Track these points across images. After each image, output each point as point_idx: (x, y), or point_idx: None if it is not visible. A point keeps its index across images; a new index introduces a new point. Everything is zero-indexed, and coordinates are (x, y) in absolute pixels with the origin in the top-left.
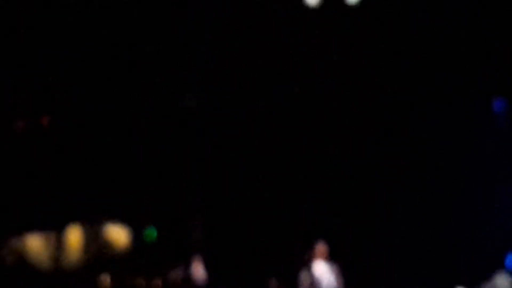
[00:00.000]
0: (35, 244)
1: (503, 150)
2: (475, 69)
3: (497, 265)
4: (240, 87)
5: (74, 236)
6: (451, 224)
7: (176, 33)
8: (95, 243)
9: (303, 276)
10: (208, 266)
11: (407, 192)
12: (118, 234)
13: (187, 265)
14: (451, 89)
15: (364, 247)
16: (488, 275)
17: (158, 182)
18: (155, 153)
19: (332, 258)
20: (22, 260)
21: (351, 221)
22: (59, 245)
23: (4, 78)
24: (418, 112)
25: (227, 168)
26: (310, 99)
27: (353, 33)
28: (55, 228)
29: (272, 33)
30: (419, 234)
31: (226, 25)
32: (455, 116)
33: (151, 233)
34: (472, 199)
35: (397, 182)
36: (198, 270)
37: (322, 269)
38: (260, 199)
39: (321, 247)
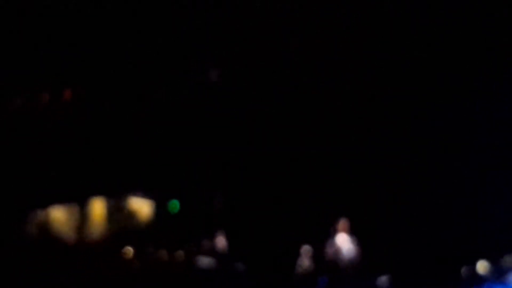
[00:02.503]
0: (59, 217)
1: None
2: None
3: None
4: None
5: (98, 209)
6: (471, 197)
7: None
8: (119, 215)
9: (328, 245)
10: (230, 238)
11: (428, 169)
12: (141, 206)
13: (209, 237)
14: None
15: (383, 222)
16: (509, 248)
17: (182, 154)
18: (178, 125)
19: (352, 232)
20: (46, 233)
21: (371, 199)
22: (82, 217)
23: (26, 52)
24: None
25: (251, 141)
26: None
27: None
28: (78, 201)
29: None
30: (439, 208)
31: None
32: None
33: (174, 205)
34: (495, 173)
35: (418, 159)
36: (221, 242)
37: (343, 241)
38: (284, 173)
39: (343, 223)
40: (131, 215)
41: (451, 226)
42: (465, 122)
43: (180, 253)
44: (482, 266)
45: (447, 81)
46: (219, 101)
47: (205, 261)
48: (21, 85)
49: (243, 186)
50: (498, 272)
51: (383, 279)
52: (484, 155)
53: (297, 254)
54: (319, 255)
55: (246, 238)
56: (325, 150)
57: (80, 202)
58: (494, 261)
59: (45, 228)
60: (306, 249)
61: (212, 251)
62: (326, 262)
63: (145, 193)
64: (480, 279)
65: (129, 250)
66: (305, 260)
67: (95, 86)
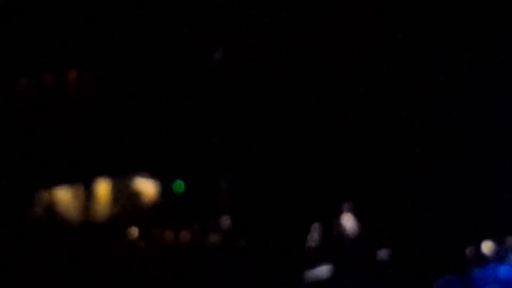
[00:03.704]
0: (64, 197)
1: None
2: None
3: None
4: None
5: (103, 189)
6: (476, 179)
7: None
8: (124, 196)
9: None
10: (236, 219)
11: (433, 149)
12: (146, 187)
13: (215, 217)
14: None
15: (386, 200)
16: None
17: (187, 135)
18: (184, 106)
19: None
20: (51, 213)
21: (375, 179)
22: (88, 198)
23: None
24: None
25: (257, 123)
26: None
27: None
28: (83, 181)
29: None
30: (444, 189)
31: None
32: None
33: (180, 186)
34: (500, 152)
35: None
36: (227, 223)
37: (348, 220)
38: (291, 155)
39: (348, 203)
40: (136, 196)
41: (455, 206)
42: (467, 108)
43: (185, 234)
44: (486, 246)
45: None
46: (225, 83)
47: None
48: (25, 67)
49: (250, 167)
50: (502, 252)
51: (386, 257)
52: (487, 135)
53: (303, 235)
54: (326, 236)
55: (252, 219)
56: (330, 133)
57: (85, 182)
58: (498, 241)
59: (50, 208)
60: (313, 228)
61: (218, 232)
62: (333, 242)
63: (150, 174)
64: (484, 259)
65: (134, 231)
66: (312, 241)
67: (100, 68)
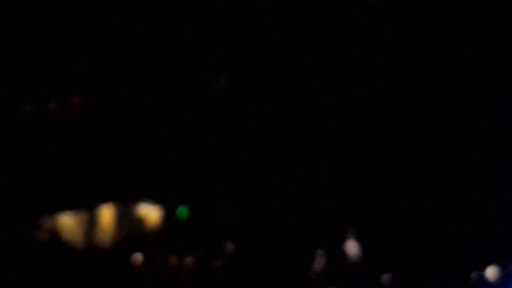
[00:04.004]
0: (67, 223)
1: None
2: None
3: None
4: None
5: (107, 215)
6: (482, 201)
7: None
8: (127, 221)
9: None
10: (240, 245)
11: (436, 170)
12: (150, 213)
13: (219, 244)
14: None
15: (389, 225)
16: None
17: (190, 161)
18: (187, 132)
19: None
20: (55, 239)
21: (376, 203)
22: (91, 223)
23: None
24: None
25: (259, 148)
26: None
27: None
28: (87, 207)
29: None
30: (447, 211)
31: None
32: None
33: (183, 211)
34: (505, 176)
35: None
36: (231, 249)
37: (352, 245)
38: (293, 181)
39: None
40: (140, 222)
41: (459, 229)
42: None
43: (189, 260)
44: (491, 272)
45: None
46: (227, 108)
47: None
48: (27, 89)
49: (253, 193)
50: (508, 277)
51: (389, 282)
52: (495, 157)
53: (307, 260)
54: (330, 261)
55: (256, 244)
56: (332, 157)
57: (89, 208)
58: (503, 266)
59: (54, 234)
60: (319, 254)
61: (221, 258)
62: (338, 267)
63: (154, 199)
64: (489, 285)
65: (138, 257)
66: (317, 266)
67: (103, 91)
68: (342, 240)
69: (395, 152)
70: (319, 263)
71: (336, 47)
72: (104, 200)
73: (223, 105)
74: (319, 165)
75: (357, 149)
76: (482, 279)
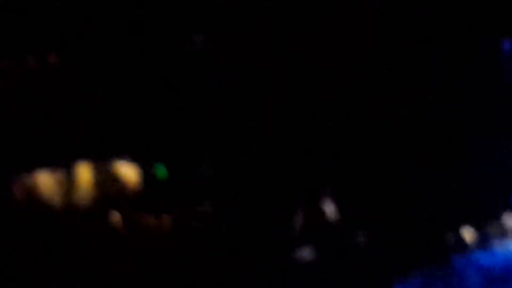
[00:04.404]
0: (45, 181)
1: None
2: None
3: (504, 204)
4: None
5: (84, 173)
6: (456, 163)
7: None
8: (105, 180)
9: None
10: (218, 204)
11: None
12: (128, 172)
13: (198, 203)
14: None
15: (366, 185)
16: (496, 215)
17: (170, 118)
18: (167, 90)
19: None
20: (33, 197)
21: (355, 169)
22: (69, 182)
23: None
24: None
25: (240, 106)
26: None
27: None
28: (65, 165)
29: None
30: (423, 174)
31: None
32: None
33: (162, 170)
34: (480, 137)
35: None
36: (210, 208)
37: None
38: (274, 140)
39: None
40: (118, 180)
41: (435, 191)
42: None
43: (168, 219)
44: (467, 233)
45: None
46: (211, 70)
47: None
48: (6, 50)
49: (232, 151)
50: (484, 239)
51: (365, 242)
52: (471, 116)
53: (285, 219)
54: (307, 220)
55: (235, 203)
56: (310, 119)
57: (67, 167)
58: (480, 228)
59: (31, 193)
60: (296, 213)
61: (200, 217)
62: (314, 226)
63: (132, 158)
64: (465, 246)
65: (116, 216)
66: (294, 225)
67: (81, 49)
68: (319, 198)
69: (372, 114)
70: (296, 221)
71: (331, 46)
72: (82, 158)
73: (201, 66)
74: (299, 125)
75: (337, 109)
76: (458, 239)
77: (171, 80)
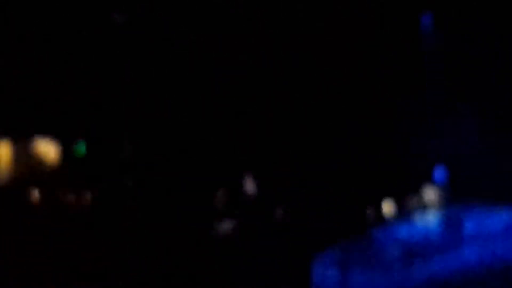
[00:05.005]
0: None
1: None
2: None
3: (425, 178)
4: None
5: (3, 150)
6: (378, 136)
7: None
8: (24, 157)
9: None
10: (139, 182)
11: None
12: (47, 149)
13: (117, 180)
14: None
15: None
16: (415, 188)
17: (88, 95)
18: (85, 67)
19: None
20: None
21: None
22: None
23: None
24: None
25: (160, 81)
26: None
27: None
28: None
29: None
30: (343, 147)
31: None
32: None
33: (81, 147)
34: (400, 111)
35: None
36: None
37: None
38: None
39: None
40: (37, 158)
41: (356, 164)
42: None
43: (88, 196)
44: (387, 206)
45: None
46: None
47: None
48: None
49: (154, 128)
50: (403, 212)
51: (284, 216)
52: (394, 90)
53: (209, 195)
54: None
55: (155, 181)
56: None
57: None
58: (400, 200)
59: None
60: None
61: (120, 194)
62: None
63: (52, 136)
64: (384, 219)
65: (35, 193)
66: (217, 202)
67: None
68: (240, 175)
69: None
70: (219, 199)
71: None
72: (1, 135)
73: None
74: (222, 104)
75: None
76: (378, 212)
77: (93, 58)
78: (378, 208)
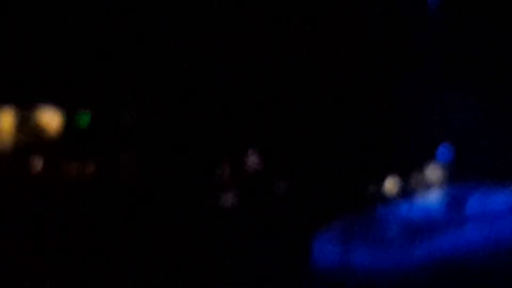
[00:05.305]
0: None
1: (437, 42)
2: None
3: (428, 156)
4: None
5: (6, 120)
6: (382, 114)
7: None
8: (28, 127)
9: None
10: (143, 153)
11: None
12: (50, 118)
13: (121, 151)
14: None
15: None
16: (419, 166)
17: (91, 64)
18: (88, 35)
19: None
20: None
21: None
22: None
23: None
24: None
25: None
26: None
27: None
28: None
29: None
30: (347, 124)
31: None
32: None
33: (85, 117)
34: (405, 88)
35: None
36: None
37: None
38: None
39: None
40: (40, 127)
41: (359, 141)
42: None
43: (91, 167)
44: (389, 184)
45: None
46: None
47: None
48: None
49: (156, 101)
50: (406, 190)
51: (286, 190)
52: (397, 68)
53: (212, 169)
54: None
55: (159, 151)
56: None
57: None
58: (403, 179)
59: None
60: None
61: (123, 165)
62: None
63: (55, 105)
64: (387, 197)
65: (38, 163)
66: (219, 175)
67: None
68: (244, 149)
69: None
70: (223, 172)
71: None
72: (5, 104)
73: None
74: (227, 81)
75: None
76: (381, 189)
77: (96, 26)
78: (381, 185)
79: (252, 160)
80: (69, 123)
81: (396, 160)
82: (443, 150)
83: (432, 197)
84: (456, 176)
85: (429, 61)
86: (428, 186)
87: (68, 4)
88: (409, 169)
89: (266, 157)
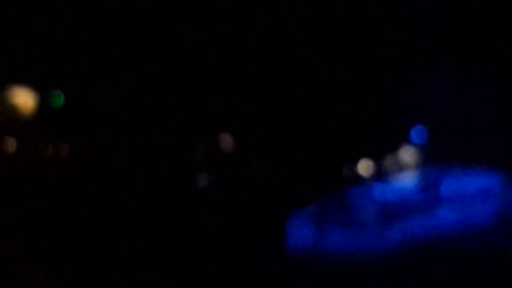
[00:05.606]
0: None
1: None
2: None
3: (402, 139)
4: None
5: None
6: (356, 96)
7: None
8: (2, 108)
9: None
10: (117, 131)
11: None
12: (24, 99)
13: (95, 130)
14: None
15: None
16: (392, 148)
17: (67, 43)
18: (65, 16)
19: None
20: None
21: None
22: None
23: None
24: None
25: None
26: None
27: None
28: None
29: None
30: (324, 107)
31: None
32: None
33: (58, 98)
34: (378, 70)
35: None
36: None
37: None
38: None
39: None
40: (13, 107)
41: (333, 122)
42: None
43: (65, 147)
44: (363, 166)
45: None
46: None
47: None
48: None
49: (133, 81)
50: (380, 172)
51: (257, 171)
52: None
53: (188, 151)
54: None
55: (133, 128)
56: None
57: None
58: (377, 161)
59: None
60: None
61: (98, 145)
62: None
63: (29, 85)
64: (360, 178)
65: (12, 143)
66: (197, 155)
67: None
68: (218, 131)
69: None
70: (198, 152)
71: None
72: None
73: None
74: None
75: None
76: (355, 171)
77: (72, 15)
78: (355, 168)
79: (226, 142)
80: (43, 104)
81: (370, 142)
82: (418, 133)
83: (406, 180)
84: (430, 159)
85: (405, 43)
86: (402, 168)
87: None
88: (383, 151)
89: (240, 140)
